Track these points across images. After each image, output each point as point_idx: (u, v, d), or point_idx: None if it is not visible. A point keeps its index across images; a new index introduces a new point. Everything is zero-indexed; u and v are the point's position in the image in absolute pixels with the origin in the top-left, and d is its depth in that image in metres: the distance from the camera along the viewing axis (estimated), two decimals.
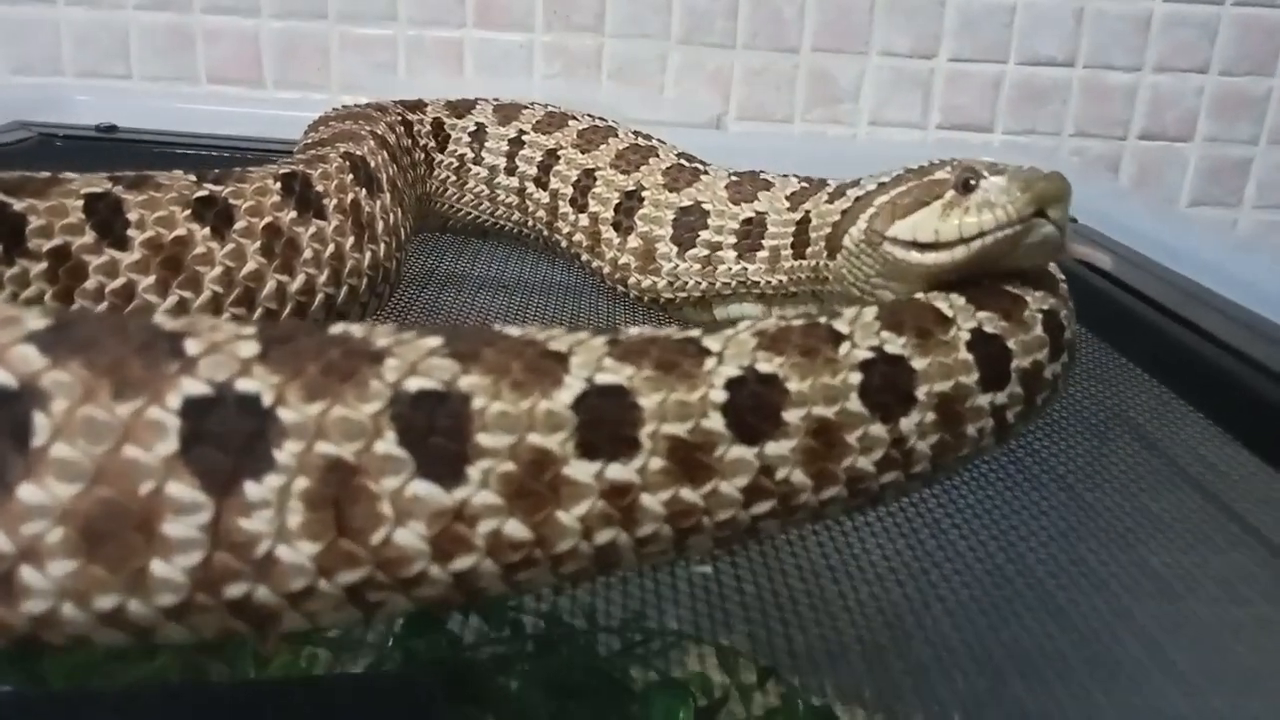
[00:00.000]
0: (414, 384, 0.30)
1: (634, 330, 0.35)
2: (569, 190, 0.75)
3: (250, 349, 0.29)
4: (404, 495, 0.29)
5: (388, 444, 0.29)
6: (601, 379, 0.32)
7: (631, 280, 0.71)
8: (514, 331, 0.33)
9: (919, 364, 0.40)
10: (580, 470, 0.31)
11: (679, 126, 1.22)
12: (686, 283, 0.68)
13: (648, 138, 0.76)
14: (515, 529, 0.31)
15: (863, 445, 0.37)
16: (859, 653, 0.44)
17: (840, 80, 1.30)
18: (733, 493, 0.35)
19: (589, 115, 0.80)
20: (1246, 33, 1.30)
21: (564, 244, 0.77)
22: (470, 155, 0.80)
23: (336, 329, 0.31)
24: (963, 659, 0.43)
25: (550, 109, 0.81)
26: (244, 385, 0.28)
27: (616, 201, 0.72)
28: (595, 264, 0.74)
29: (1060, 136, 1.33)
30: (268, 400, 0.28)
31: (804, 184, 0.65)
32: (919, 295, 0.45)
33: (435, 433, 0.29)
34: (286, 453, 0.28)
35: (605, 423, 0.32)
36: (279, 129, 0.97)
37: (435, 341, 0.31)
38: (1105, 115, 1.33)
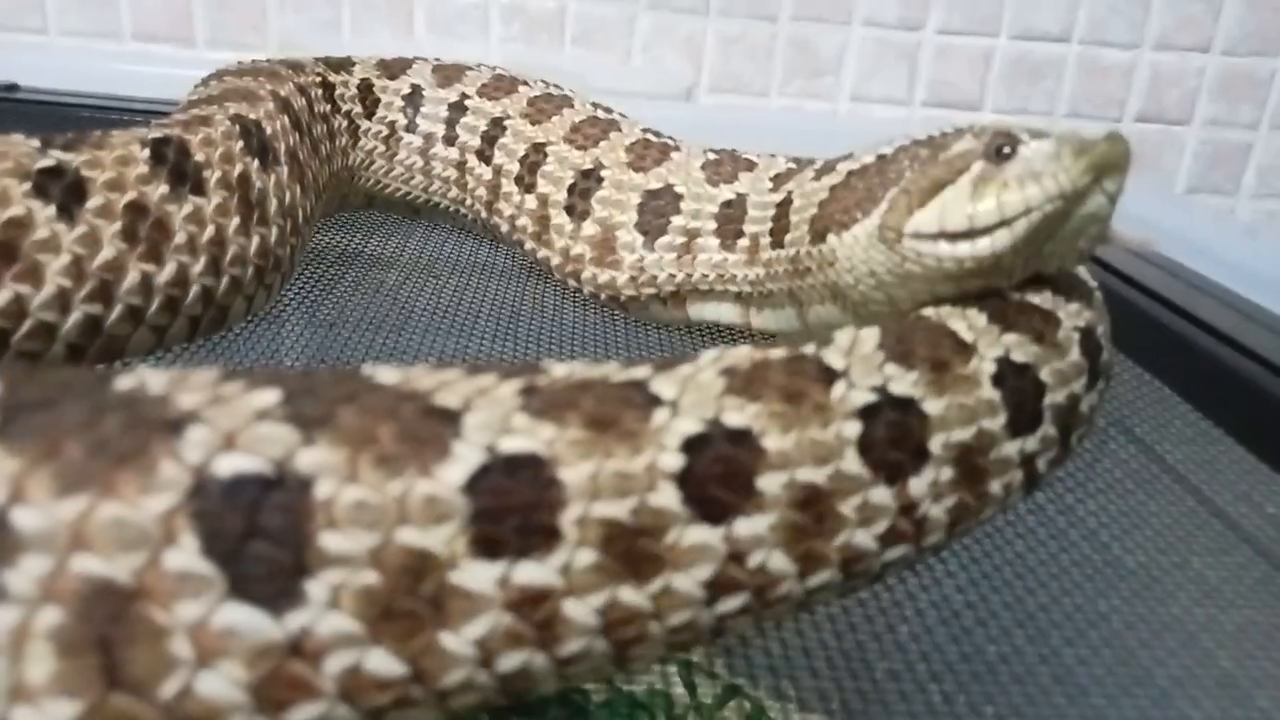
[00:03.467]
0: (229, 464, 0.20)
1: (560, 369, 0.26)
2: (515, 167, 0.65)
3: None
4: (210, 628, 0.20)
5: (186, 555, 0.20)
6: (508, 446, 0.23)
7: (586, 274, 0.62)
8: (389, 378, 0.24)
9: (933, 407, 0.31)
10: (475, 575, 0.22)
11: (647, 98, 1.12)
12: (656, 275, 0.59)
13: (609, 110, 0.67)
14: (381, 663, 0.22)
15: (862, 516, 0.29)
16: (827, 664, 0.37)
17: (821, 51, 1.21)
18: (691, 589, 0.26)
19: (543, 81, 0.70)
20: (1253, 10, 1.22)
21: (505, 228, 0.67)
22: (403, 122, 0.70)
23: (125, 382, 0.21)
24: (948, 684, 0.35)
25: (499, 72, 0.71)
26: None
27: (570, 182, 0.62)
28: (542, 253, 0.64)
29: (1053, 116, 1.25)
30: None
31: (791, 164, 0.56)
32: (928, 312, 0.36)
33: (258, 536, 0.20)
34: (24, 575, 0.19)
35: (511, 508, 0.23)
36: None
37: (268, 398, 0.22)
38: (1101, 94, 1.25)
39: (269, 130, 0.49)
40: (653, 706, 0.39)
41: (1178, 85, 1.24)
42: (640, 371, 0.27)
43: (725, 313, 0.58)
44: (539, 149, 0.64)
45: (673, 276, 0.58)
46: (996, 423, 0.32)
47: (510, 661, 0.23)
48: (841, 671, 0.36)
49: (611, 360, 0.28)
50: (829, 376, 0.29)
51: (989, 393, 0.32)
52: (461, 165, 0.69)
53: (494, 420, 0.23)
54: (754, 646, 0.38)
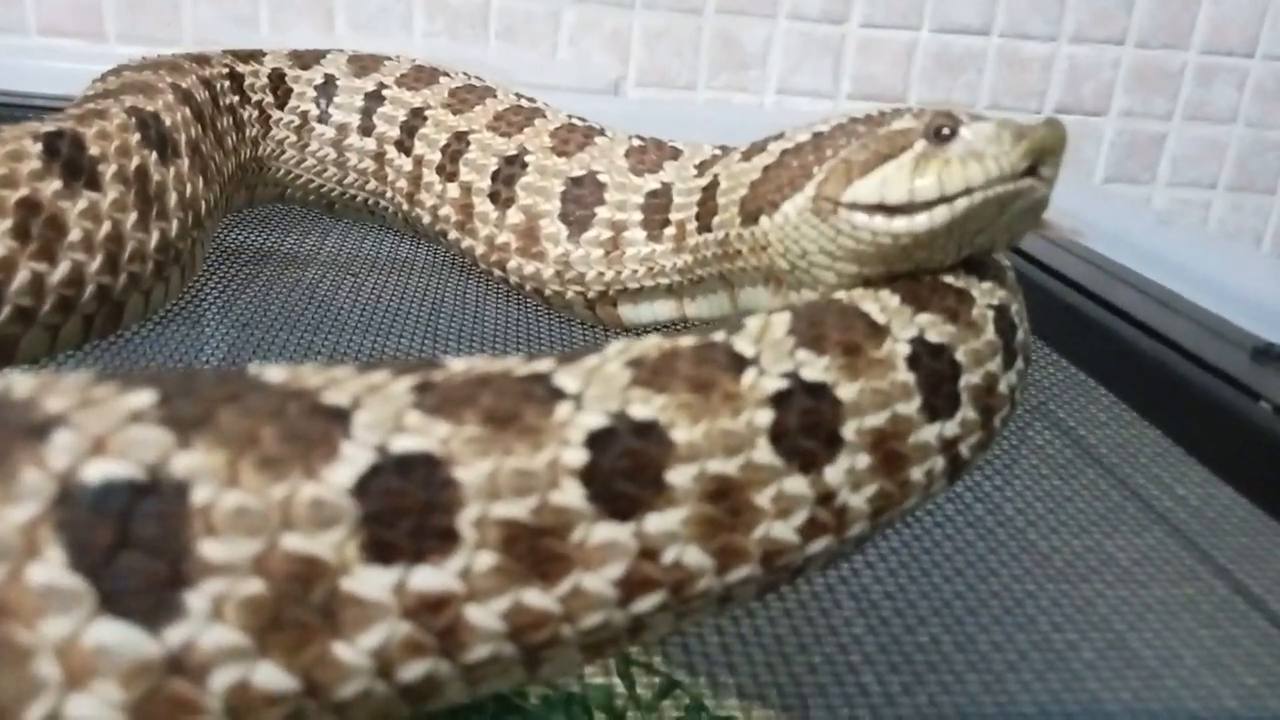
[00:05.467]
0: (98, 470, 0.19)
1: (459, 364, 0.25)
2: (436, 156, 0.64)
3: None
4: (80, 646, 0.19)
5: (51, 568, 0.19)
6: (400, 445, 0.22)
7: (511, 264, 0.60)
8: (275, 377, 0.22)
9: (846, 392, 0.30)
10: (368, 582, 0.21)
11: (573, 92, 1.11)
12: (583, 273, 0.57)
13: (532, 100, 0.66)
14: (270, 677, 0.21)
15: (779, 508, 0.28)
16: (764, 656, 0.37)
17: (747, 45, 1.21)
18: (602, 588, 0.25)
19: (465, 74, 0.69)
20: (1163, 4, 1.25)
21: (427, 219, 0.65)
22: (315, 112, 0.68)
23: None
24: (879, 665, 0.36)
25: (419, 63, 0.69)
26: None
27: (494, 169, 0.61)
28: (466, 243, 0.63)
29: (975, 108, 1.27)
30: None
31: (717, 152, 0.55)
32: (840, 296, 0.36)
33: (131, 546, 0.19)
34: None
35: (405, 510, 0.22)
36: None
37: (143, 400, 0.20)
38: (1021, 86, 1.27)
39: (168, 122, 0.47)
40: (592, 702, 0.38)
41: (1094, 77, 1.27)
42: (543, 365, 0.26)
43: (660, 310, 0.57)
44: (461, 138, 0.63)
45: (601, 275, 0.57)
46: (911, 406, 0.32)
47: (412, 671, 0.23)
48: (775, 657, 0.36)
49: (537, 356, 0.27)
50: (739, 364, 0.29)
51: (904, 375, 0.32)
52: (380, 156, 0.67)
53: (385, 418, 0.22)
54: (691, 638, 0.37)
